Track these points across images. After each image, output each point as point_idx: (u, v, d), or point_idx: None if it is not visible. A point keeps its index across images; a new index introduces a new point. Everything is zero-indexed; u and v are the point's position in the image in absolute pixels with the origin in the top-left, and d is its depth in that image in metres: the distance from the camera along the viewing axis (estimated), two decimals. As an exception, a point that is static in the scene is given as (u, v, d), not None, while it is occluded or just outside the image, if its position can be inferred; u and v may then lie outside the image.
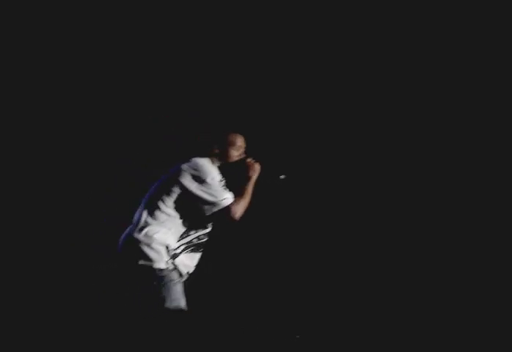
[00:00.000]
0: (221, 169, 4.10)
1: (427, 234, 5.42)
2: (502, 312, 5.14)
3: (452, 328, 5.14)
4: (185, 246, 3.99)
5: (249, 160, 4.15)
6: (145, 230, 3.90)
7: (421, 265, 5.39)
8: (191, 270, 4.04)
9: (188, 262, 4.01)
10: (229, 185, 4.07)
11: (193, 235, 4.01)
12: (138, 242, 3.89)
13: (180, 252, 3.96)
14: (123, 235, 3.99)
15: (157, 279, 3.86)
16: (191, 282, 4.07)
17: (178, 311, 3.83)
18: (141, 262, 3.87)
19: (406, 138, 5.53)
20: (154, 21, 5.70)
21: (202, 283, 4.24)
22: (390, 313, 5.34)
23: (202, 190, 3.93)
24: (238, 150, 4.13)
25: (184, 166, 3.98)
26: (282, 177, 4.20)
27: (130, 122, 5.77)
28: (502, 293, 5.19)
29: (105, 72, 5.75)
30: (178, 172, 3.98)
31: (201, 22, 5.69)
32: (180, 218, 3.96)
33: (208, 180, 3.94)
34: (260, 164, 4.14)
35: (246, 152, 4.17)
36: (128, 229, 4.00)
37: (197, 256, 4.07)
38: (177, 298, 3.88)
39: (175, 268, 3.92)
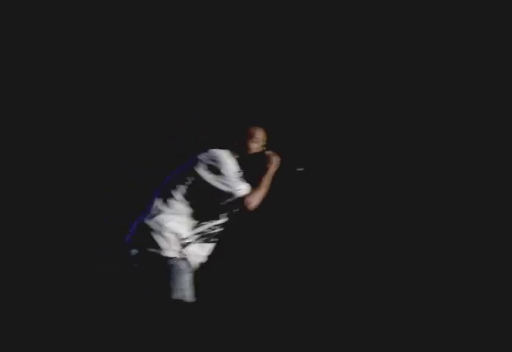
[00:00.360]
0: (241, 162, 4.09)
1: (429, 234, 5.41)
2: (502, 312, 5.13)
3: (452, 328, 5.13)
4: (198, 235, 3.98)
5: (268, 152, 4.15)
6: (157, 218, 3.90)
7: (422, 265, 5.38)
8: (203, 260, 4.02)
9: (199, 251, 3.99)
10: (248, 178, 4.06)
11: (206, 225, 4.00)
12: (149, 229, 3.88)
13: (192, 242, 3.95)
14: (135, 222, 3.98)
15: (165, 268, 3.83)
16: (201, 274, 4.05)
17: (183, 301, 3.79)
18: (150, 249, 3.84)
19: (411, 138, 5.54)
20: (153, 21, 5.70)
21: (209, 276, 4.19)
22: (390, 313, 5.32)
23: (217, 180, 3.94)
24: (257, 143, 4.14)
25: (201, 156, 4.00)
26: (300, 169, 4.20)
27: (131, 122, 5.76)
28: (502, 293, 5.18)
29: (105, 72, 5.75)
30: (195, 162, 3.99)
31: (199, 21, 5.70)
32: (194, 207, 3.95)
33: (224, 170, 3.95)
34: (280, 157, 4.14)
35: (266, 145, 4.18)
36: (140, 216, 3.98)
37: (209, 246, 4.05)
38: (184, 288, 3.83)
39: (185, 258, 3.90)
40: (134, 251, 3.88)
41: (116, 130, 5.77)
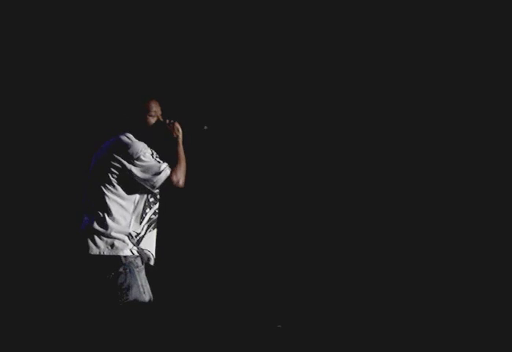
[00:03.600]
0: (142, 138, 3.97)
1: (426, 233, 5.42)
2: (502, 312, 5.17)
3: (452, 328, 5.17)
4: (147, 225, 3.96)
5: (167, 121, 4.06)
6: (102, 221, 3.85)
7: (420, 264, 5.40)
8: (154, 251, 4.01)
9: (151, 242, 3.99)
10: (160, 153, 3.99)
11: (150, 212, 3.97)
12: (99, 233, 3.84)
13: (144, 234, 3.94)
14: (81, 229, 3.91)
15: (123, 267, 3.83)
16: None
17: (146, 296, 3.84)
18: (106, 252, 3.83)
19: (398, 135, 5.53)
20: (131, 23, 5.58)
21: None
22: (388, 311, 5.35)
23: (137, 168, 3.86)
24: (154, 116, 4.04)
25: (112, 148, 3.90)
26: (206, 127, 4.11)
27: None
28: (502, 293, 5.23)
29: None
30: (109, 156, 3.89)
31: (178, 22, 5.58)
32: (132, 199, 3.90)
33: (140, 156, 3.87)
34: (179, 123, 4.05)
35: (162, 115, 4.07)
36: (83, 222, 3.92)
37: (155, 233, 4.03)
38: (143, 283, 3.87)
39: (139, 255, 3.90)
40: (83, 257, 3.86)
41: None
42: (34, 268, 5.51)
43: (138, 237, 3.89)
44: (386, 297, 5.39)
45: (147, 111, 4.01)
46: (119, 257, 3.83)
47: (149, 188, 3.88)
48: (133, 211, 3.89)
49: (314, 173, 5.56)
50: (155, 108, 4.04)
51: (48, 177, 5.65)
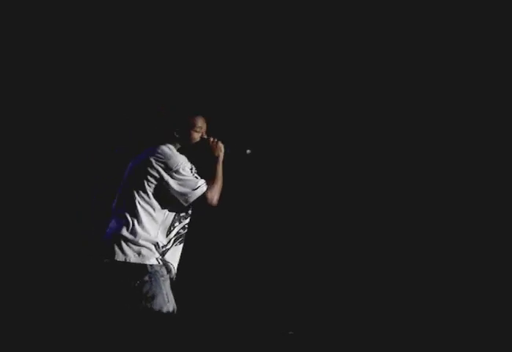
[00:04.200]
0: (184, 152, 3.98)
1: (426, 233, 5.40)
2: (502, 312, 5.14)
3: (452, 328, 5.14)
4: (174, 238, 3.95)
5: (211, 140, 4.05)
6: (131, 228, 3.83)
7: (420, 265, 5.37)
8: (176, 265, 4.00)
9: (175, 256, 3.98)
10: (198, 169, 3.98)
11: (179, 226, 3.96)
12: (127, 240, 3.82)
13: (171, 247, 3.93)
14: (107, 234, 3.90)
15: (148, 275, 3.81)
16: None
17: (170, 306, 3.83)
18: (132, 259, 3.81)
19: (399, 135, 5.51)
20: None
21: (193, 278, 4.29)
22: (388, 312, 5.32)
23: (175, 180, 3.86)
24: (198, 132, 4.03)
25: (152, 158, 3.89)
26: (249, 151, 4.09)
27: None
28: (502, 293, 5.20)
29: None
30: (148, 163, 3.88)
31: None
32: (163, 211, 3.89)
33: (180, 169, 3.87)
34: (223, 142, 4.04)
35: (207, 132, 4.06)
36: (110, 227, 3.91)
37: (180, 248, 4.02)
38: (168, 292, 3.86)
39: (164, 264, 3.89)
40: (110, 262, 3.83)
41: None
42: (46, 270, 5.50)
43: (164, 249, 3.89)
44: (392, 299, 5.35)
45: (193, 126, 4.01)
46: (145, 265, 3.82)
47: (182, 202, 3.87)
48: (162, 222, 3.88)
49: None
50: (201, 125, 4.03)
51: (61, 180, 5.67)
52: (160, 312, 3.78)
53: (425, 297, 5.28)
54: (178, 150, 3.97)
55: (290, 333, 4.93)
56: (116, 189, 4.23)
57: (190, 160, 3.97)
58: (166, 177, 3.84)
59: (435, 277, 5.31)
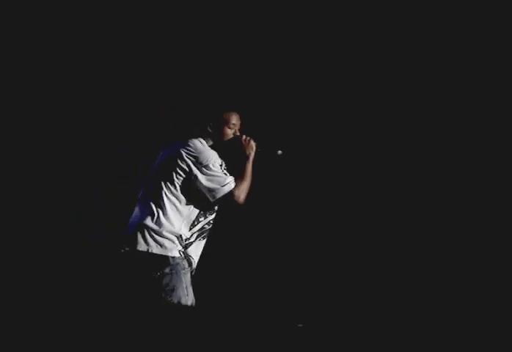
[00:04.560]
0: (217, 149, 3.96)
1: (426, 233, 5.35)
2: (502, 312, 5.10)
3: (452, 328, 5.07)
4: (198, 233, 3.92)
5: (244, 137, 4.02)
6: (156, 218, 3.81)
7: (420, 265, 5.33)
8: (197, 260, 3.98)
9: (197, 250, 3.95)
10: (228, 166, 3.96)
11: (203, 221, 3.93)
12: (151, 230, 3.80)
13: (193, 241, 3.90)
14: (131, 223, 3.89)
15: (169, 267, 3.79)
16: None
17: (189, 299, 3.82)
18: (154, 250, 3.79)
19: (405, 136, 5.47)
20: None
21: (206, 274, 4.17)
22: (389, 311, 5.27)
23: (204, 175, 3.84)
24: (232, 128, 4.01)
25: (184, 151, 3.87)
26: (280, 152, 4.06)
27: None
28: (502, 293, 5.16)
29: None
30: (178, 156, 3.86)
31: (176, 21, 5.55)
32: (189, 204, 3.87)
33: (210, 165, 3.85)
34: (255, 141, 4.02)
35: (240, 130, 4.04)
36: (134, 216, 3.90)
37: (203, 243, 4.00)
38: (188, 286, 3.84)
39: (186, 257, 3.86)
40: (130, 252, 3.81)
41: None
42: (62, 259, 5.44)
43: (186, 242, 3.86)
44: (394, 298, 5.31)
45: (226, 123, 3.97)
46: (167, 257, 3.79)
47: (209, 197, 3.85)
48: (187, 216, 3.86)
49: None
50: (235, 122, 4.00)
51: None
52: (178, 304, 3.77)
53: (426, 295, 5.25)
54: (210, 146, 3.95)
55: (300, 325, 4.84)
56: (117, 188, 4.15)
57: (221, 156, 3.93)
58: (195, 171, 3.82)
59: (435, 276, 5.28)
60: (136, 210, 3.90)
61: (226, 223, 4.27)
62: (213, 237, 4.05)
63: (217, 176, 3.83)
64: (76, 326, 4.72)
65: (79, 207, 5.48)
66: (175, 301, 3.75)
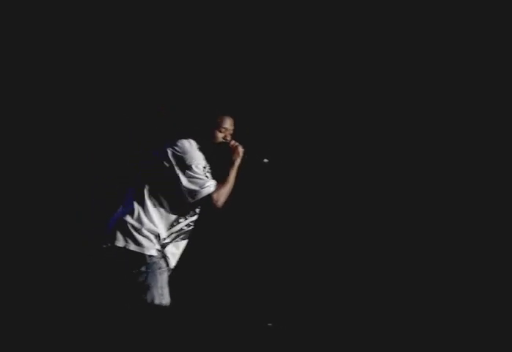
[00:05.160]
0: (205, 151, 3.98)
1: (426, 233, 5.37)
2: (502, 312, 5.11)
3: (452, 328, 5.10)
4: (176, 234, 3.95)
5: (232, 143, 4.04)
6: (136, 216, 3.85)
7: (420, 265, 5.35)
8: (177, 259, 4.00)
9: (175, 250, 3.97)
10: (212, 169, 4.00)
11: (183, 223, 3.96)
12: (130, 226, 3.84)
13: (170, 241, 3.92)
14: (113, 220, 3.92)
15: (145, 266, 3.82)
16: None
17: (163, 299, 3.82)
18: (131, 247, 3.82)
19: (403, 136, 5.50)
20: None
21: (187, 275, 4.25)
22: (388, 312, 5.29)
23: (185, 176, 3.86)
24: (223, 132, 4.03)
25: (170, 150, 3.90)
26: (266, 160, 4.09)
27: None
28: (502, 293, 5.17)
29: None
30: (163, 156, 3.90)
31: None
32: (169, 204, 3.90)
33: (193, 166, 3.87)
34: (244, 147, 4.04)
35: (232, 135, 4.06)
36: (118, 213, 3.93)
37: (183, 244, 4.02)
38: (163, 286, 3.85)
39: (164, 257, 3.88)
40: (109, 247, 3.84)
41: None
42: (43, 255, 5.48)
43: (164, 241, 3.88)
44: (384, 297, 5.33)
45: (218, 126, 4.00)
46: (144, 255, 3.82)
47: (188, 198, 3.87)
48: (167, 216, 3.89)
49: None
50: (227, 126, 4.02)
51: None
52: (151, 304, 3.77)
53: (424, 296, 5.26)
54: (199, 148, 3.96)
55: (269, 324, 4.89)
56: (117, 188, 4.20)
57: (208, 159, 3.97)
58: (177, 170, 3.85)
59: (435, 276, 5.29)
60: (120, 207, 3.94)
61: (211, 226, 4.33)
62: (202, 239, 4.12)
63: (198, 178, 3.85)
64: (75, 325, 4.82)
65: (79, 207, 5.51)
66: (148, 300, 3.77)
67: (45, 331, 4.74)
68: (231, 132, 4.04)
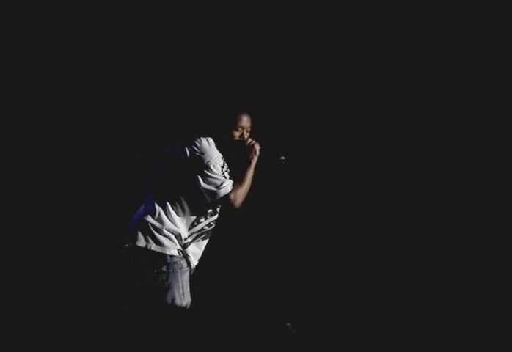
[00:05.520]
0: (222, 150, 3.93)
1: (426, 233, 5.38)
2: (502, 312, 5.13)
3: (452, 328, 5.11)
4: (197, 234, 3.93)
5: (249, 141, 4.00)
6: (157, 216, 3.83)
7: (420, 264, 5.36)
8: (198, 258, 3.99)
9: (197, 250, 3.95)
10: (231, 169, 3.95)
11: (203, 223, 3.94)
12: (150, 226, 3.82)
13: (192, 241, 3.91)
14: (134, 220, 3.90)
15: (166, 265, 3.80)
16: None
17: (184, 299, 3.80)
18: (153, 247, 3.80)
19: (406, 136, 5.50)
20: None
21: (203, 275, 4.17)
22: (388, 311, 5.29)
23: (203, 176, 3.83)
24: (239, 131, 3.99)
25: (188, 149, 3.85)
26: (283, 158, 4.03)
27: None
28: (502, 293, 5.18)
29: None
30: (182, 155, 3.85)
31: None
32: (189, 204, 3.87)
33: (210, 166, 3.83)
34: (261, 145, 4.00)
35: (250, 132, 4.02)
36: (138, 213, 3.92)
37: (204, 243, 4.00)
38: (184, 286, 3.83)
39: (185, 257, 3.87)
40: (130, 247, 3.82)
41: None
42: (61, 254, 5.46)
43: (185, 241, 3.87)
44: (389, 296, 5.33)
45: (235, 124, 3.95)
46: (165, 255, 3.81)
47: (207, 198, 3.84)
48: (187, 215, 3.86)
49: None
50: (244, 124, 3.97)
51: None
52: (171, 304, 3.76)
53: (424, 295, 5.28)
54: (217, 146, 3.91)
55: (288, 324, 4.87)
56: (117, 188, 4.13)
57: (225, 158, 3.92)
58: (195, 170, 3.82)
59: (434, 276, 5.31)
60: (141, 208, 3.92)
61: (226, 225, 4.28)
62: (215, 239, 4.06)
63: (215, 178, 3.82)
64: (74, 324, 4.78)
65: (79, 207, 5.50)
66: (169, 300, 3.75)
67: (55, 331, 4.81)
68: (248, 129, 4.01)
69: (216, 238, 4.08)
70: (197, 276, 3.99)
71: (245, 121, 3.96)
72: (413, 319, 5.19)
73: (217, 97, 5.29)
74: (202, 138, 3.87)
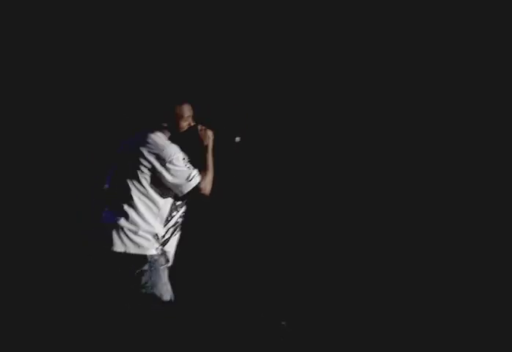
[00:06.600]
0: (175, 142, 3.94)
1: (426, 233, 5.35)
2: (502, 312, 5.09)
3: (452, 328, 5.08)
4: (173, 228, 3.95)
5: (200, 127, 4.02)
6: (131, 218, 3.82)
7: (420, 264, 5.33)
8: (172, 254, 4.01)
9: (172, 244, 3.98)
10: (190, 158, 3.97)
11: (176, 216, 3.95)
12: (127, 230, 3.82)
13: (170, 236, 3.93)
14: (105, 224, 3.90)
15: (148, 264, 3.82)
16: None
17: (170, 295, 3.86)
18: (132, 250, 3.80)
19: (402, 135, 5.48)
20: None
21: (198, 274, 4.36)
22: (387, 311, 5.26)
23: (169, 172, 3.84)
24: (186, 120, 4.00)
25: (144, 150, 3.86)
26: (238, 139, 4.06)
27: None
28: (502, 293, 5.15)
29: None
30: (140, 154, 3.86)
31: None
32: (159, 201, 3.88)
33: (173, 160, 3.85)
34: (212, 129, 4.02)
35: (195, 119, 4.03)
36: (106, 217, 3.91)
37: (178, 237, 4.03)
38: (167, 282, 3.88)
39: (163, 254, 3.89)
40: (109, 253, 3.82)
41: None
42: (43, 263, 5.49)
43: (163, 239, 3.88)
44: (388, 296, 5.31)
45: (180, 116, 3.97)
46: (145, 255, 3.83)
47: (177, 192, 3.87)
48: (160, 213, 3.87)
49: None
50: (188, 113, 3.99)
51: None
52: (159, 300, 3.80)
53: (424, 295, 5.25)
54: (170, 139, 3.93)
55: (283, 323, 4.87)
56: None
57: (181, 148, 3.93)
58: (159, 168, 3.82)
59: (434, 276, 5.27)
60: (106, 211, 3.92)
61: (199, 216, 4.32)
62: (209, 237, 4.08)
63: (181, 171, 3.84)
64: (74, 324, 4.86)
65: (79, 207, 5.47)
66: (156, 297, 3.80)
67: (54, 331, 4.83)
68: (192, 117, 4.01)
69: (209, 236, 4.13)
70: (192, 275, 4.07)
71: (187, 110, 3.98)
72: (413, 319, 5.16)
73: (156, 92, 5.30)
74: (152, 135, 3.89)
